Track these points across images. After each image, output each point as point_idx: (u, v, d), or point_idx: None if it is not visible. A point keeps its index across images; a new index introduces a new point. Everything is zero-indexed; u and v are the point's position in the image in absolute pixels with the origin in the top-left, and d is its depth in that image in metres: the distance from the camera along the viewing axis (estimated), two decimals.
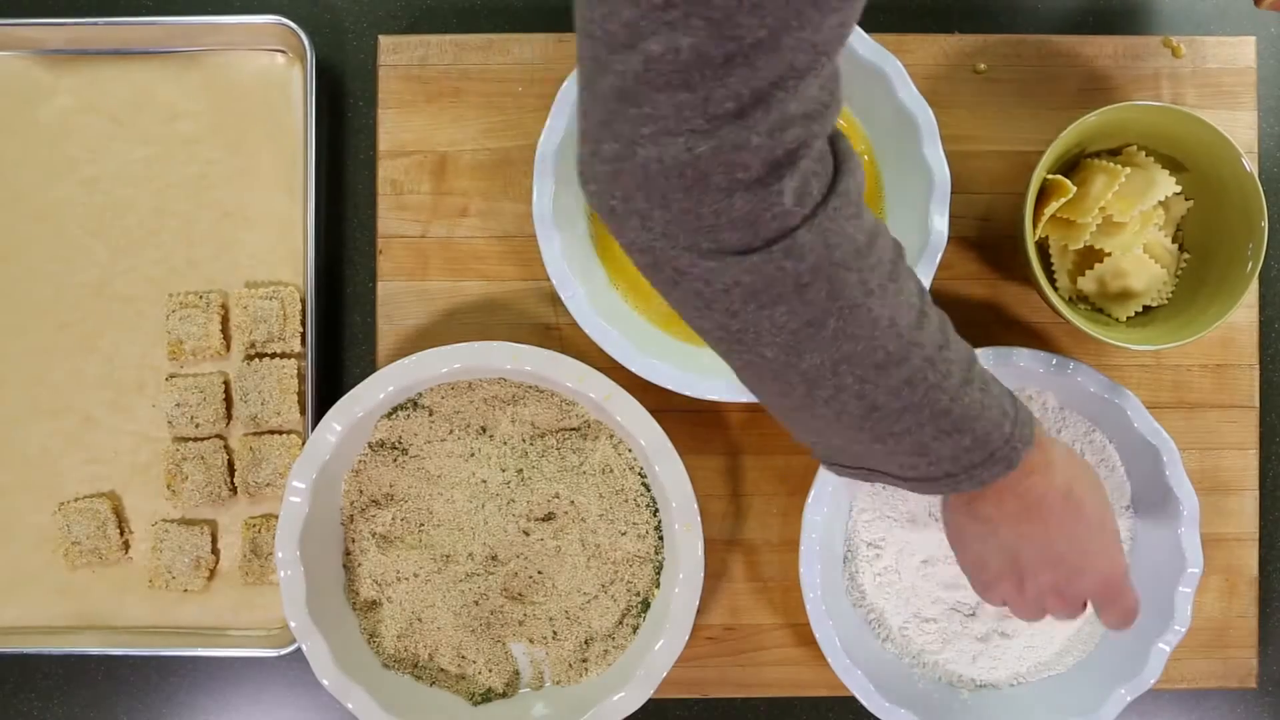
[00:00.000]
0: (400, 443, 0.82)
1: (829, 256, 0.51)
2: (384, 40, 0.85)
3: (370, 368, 0.85)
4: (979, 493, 0.62)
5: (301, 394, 0.83)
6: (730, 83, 0.46)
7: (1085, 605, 0.67)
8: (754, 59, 0.46)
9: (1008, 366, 0.78)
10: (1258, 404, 0.86)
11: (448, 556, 0.81)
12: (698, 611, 0.78)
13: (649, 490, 0.81)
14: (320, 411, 0.80)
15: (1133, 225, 0.79)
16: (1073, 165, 0.83)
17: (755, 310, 0.52)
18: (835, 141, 0.54)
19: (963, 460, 0.59)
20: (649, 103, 0.47)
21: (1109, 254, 0.80)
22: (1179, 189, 0.79)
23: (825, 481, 0.78)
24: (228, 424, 0.85)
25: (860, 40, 0.77)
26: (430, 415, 0.81)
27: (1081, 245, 0.79)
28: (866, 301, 0.53)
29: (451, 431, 0.82)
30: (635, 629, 0.82)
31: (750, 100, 0.47)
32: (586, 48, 0.49)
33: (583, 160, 0.52)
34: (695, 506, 0.77)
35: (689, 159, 0.48)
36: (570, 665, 0.81)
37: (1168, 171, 0.80)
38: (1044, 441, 0.63)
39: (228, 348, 0.85)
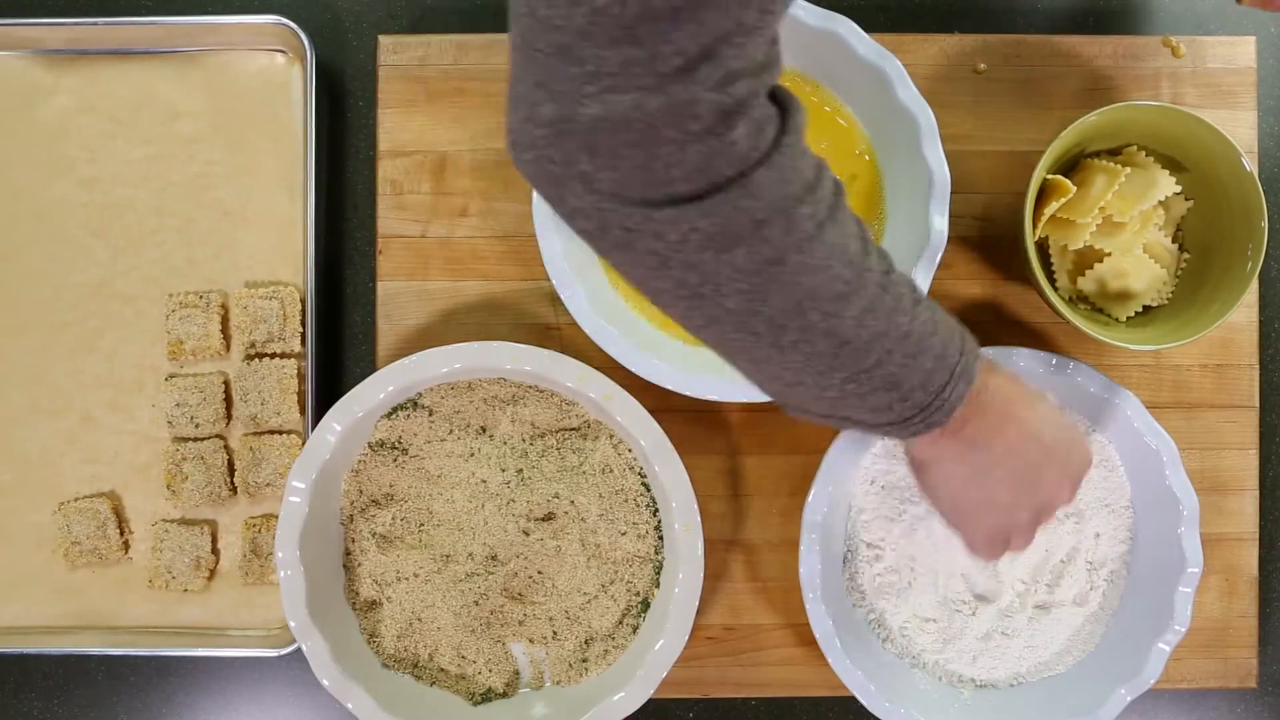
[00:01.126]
0: (400, 443, 0.82)
1: (784, 191, 0.50)
2: (384, 40, 0.85)
3: (370, 368, 0.85)
4: (950, 424, 0.60)
5: (301, 394, 0.83)
6: (677, 38, 0.45)
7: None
8: (701, 14, 0.45)
9: (1008, 366, 0.78)
10: (1258, 404, 0.86)
11: (448, 556, 0.81)
12: (698, 611, 0.78)
13: (649, 490, 0.81)
14: (320, 411, 0.80)
15: (1133, 225, 0.79)
16: (1073, 165, 0.83)
17: (714, 256, 0.50)
18: (775, 89, 0.53)
19: (931, 385, 0.57)
20: (593, 59, 0.45)
21: (1109, 254, 0.80)
22: (1179, 189, 0.79)
23: (825, 481, 0.78)
24: (228, 424, 0.85)
25: (860, 40, 0.76)
26: (430, 415, 0.81)
27: (1081, 245, 0.79)
28: (820, 234, 0.52)
29: (451, 431, 0.82)
30: (635, 629, 0.82)
31: (698, 55, 0.46)
32: (523, 3, 0.46)
33: (514, 128, 0.49)
34: (695, 506, 0.77)
35: (639, 115, 0.46)
36: (570, 665, 0.81)
37: (1168, 171, 0.80)
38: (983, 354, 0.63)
39: (227, 348, 0.85)
